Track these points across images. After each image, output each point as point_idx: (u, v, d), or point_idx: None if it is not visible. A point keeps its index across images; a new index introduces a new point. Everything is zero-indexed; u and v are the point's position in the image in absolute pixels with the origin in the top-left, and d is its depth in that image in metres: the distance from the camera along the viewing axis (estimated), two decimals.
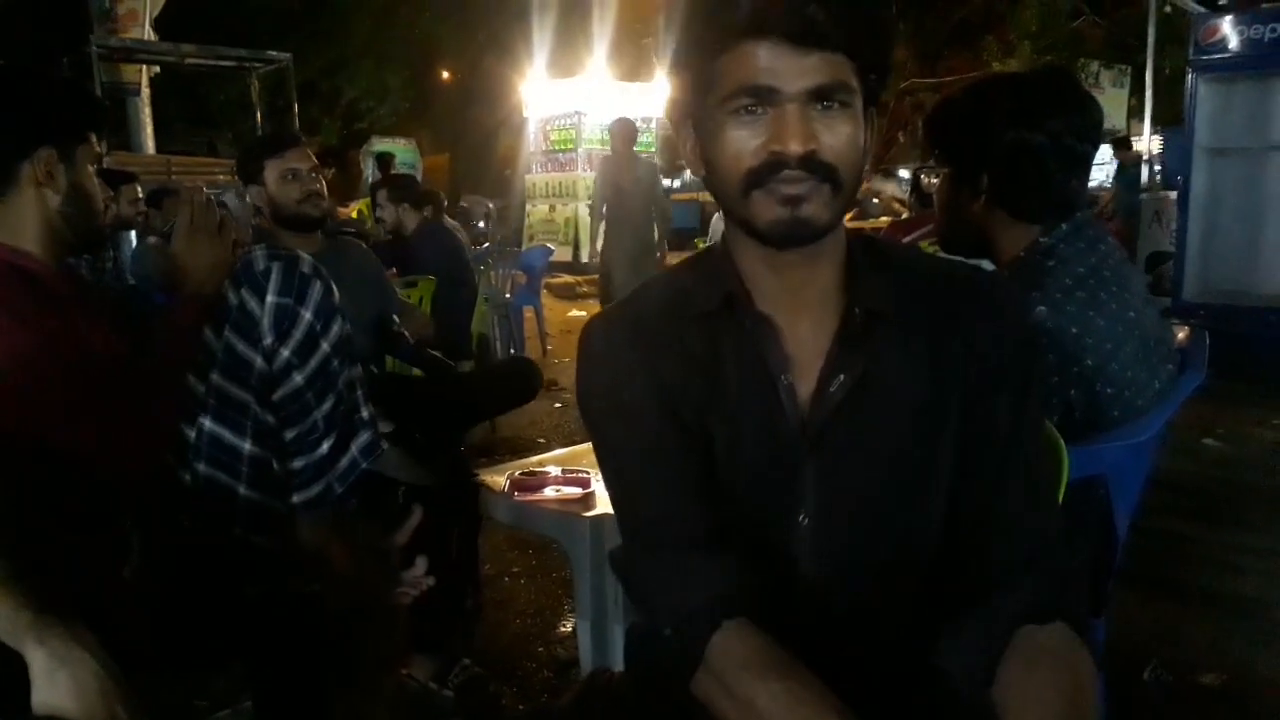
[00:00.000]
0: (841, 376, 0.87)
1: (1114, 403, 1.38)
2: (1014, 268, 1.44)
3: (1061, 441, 1.12)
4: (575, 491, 1.80)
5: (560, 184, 11.90)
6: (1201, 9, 5.63)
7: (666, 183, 11.14)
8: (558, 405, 4.92)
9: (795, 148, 0.80)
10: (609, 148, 6.55)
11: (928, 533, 0.90)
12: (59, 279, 1.34)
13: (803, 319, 0.89)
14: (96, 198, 1.37)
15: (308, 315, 1.36)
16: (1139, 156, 9.02)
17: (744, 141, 0.82)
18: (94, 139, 1.37)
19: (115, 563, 1.29)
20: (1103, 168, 9.89)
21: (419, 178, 10.29)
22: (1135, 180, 8.74)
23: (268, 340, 1.34)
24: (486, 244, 7.27)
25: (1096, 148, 1.49)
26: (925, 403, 0.88)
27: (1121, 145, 9.32)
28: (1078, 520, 1.26)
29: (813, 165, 0.81)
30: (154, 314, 1.42)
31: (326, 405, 1.41)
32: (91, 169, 1.36)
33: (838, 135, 0.81)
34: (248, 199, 2.44)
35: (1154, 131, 8.92)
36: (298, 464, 1.41)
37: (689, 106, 0.87)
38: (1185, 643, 2.36)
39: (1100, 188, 9.58)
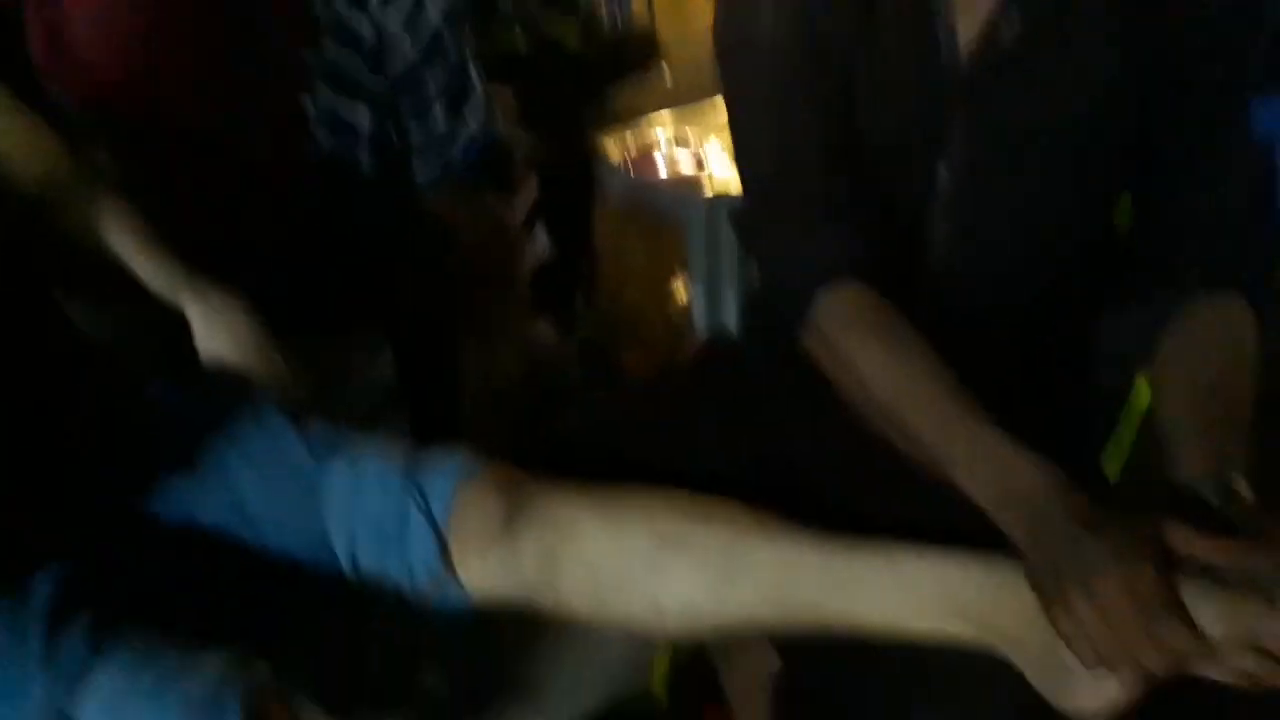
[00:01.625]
0: (1015, 21, 0.77)
1: None
2: None
3: None
4: (690, 172, 1.79)
5: None
6: None
7: None
8: (669, 75, 4.73)
9: None
10: None
11: (1084, 215, 0.85)
12: None
13: None
14: None
15: None
16: None
17: None
18: None
19: (248, 238, 1.37)
20: None
21: None
22: None
23: (373, 9, 1.32)
24: None
25: None
26: (1112, 68, 0.78)
27: None
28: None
29: None
30: None
31: (439, 76, 1.40)
32: None
33: None
34: None
35: None
36: (416, 138, 1.43)
37: None
38: None
39: None
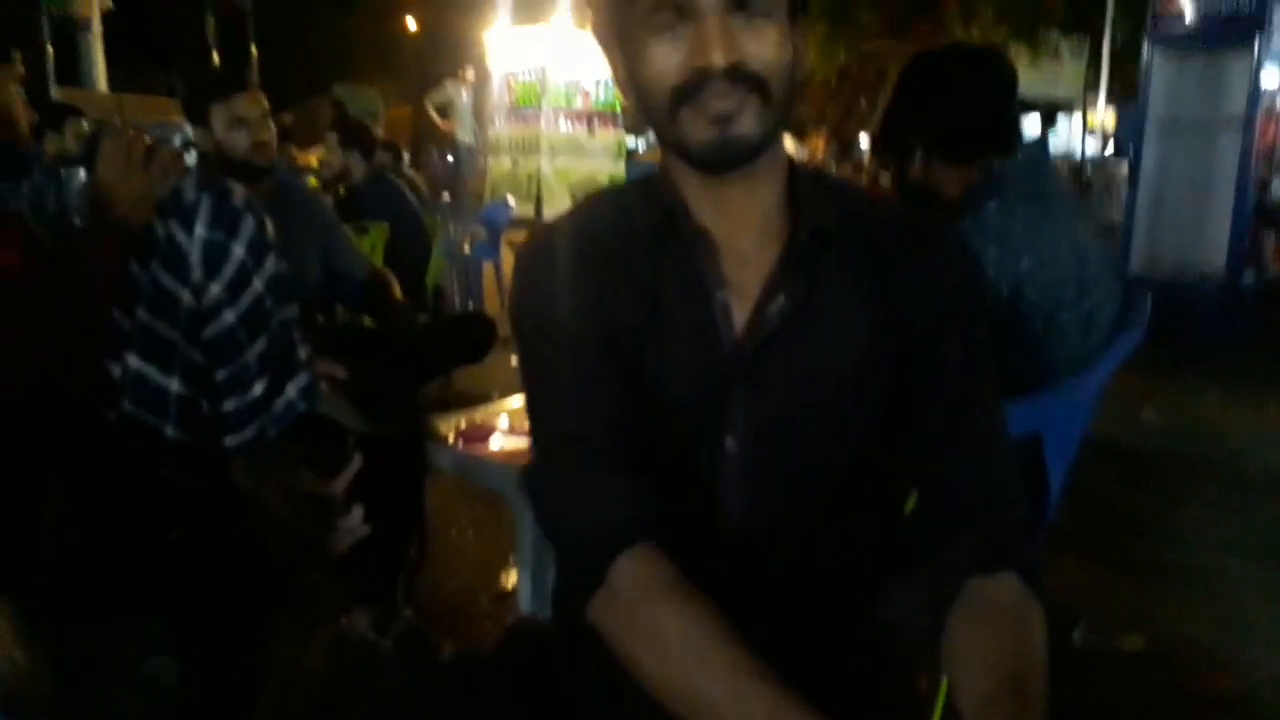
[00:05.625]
0: (781, 298, 0.85)
1: (1037, 313, 1.42)
2: (972, 191, 1.49)
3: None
4: (521, 443, 1.79)
5: (523, 138, 11.73)
6: None
7: (630, 143, 11.07)
8: (514, 361, 4.87)
9: (718, 60, 0.77)
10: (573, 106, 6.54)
11: (863, 482, 0.89)
12: None
13: (743, 240, 0.87)
14: (19, 121, 1.32)
15: (239, 250, 1.32)
16: None
17: (666, 58, 0.79)
18: (18, 60, 1.32)
19: (32, 504, 1.26)
20: None
21: (379, 128, 10.09)
22: None
23: (196, 275, 1.31)
24: (446, 194, 7.17)
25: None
26: (865, 333, 0.87)
27: None
28: None
29: (739, 76, 0.78)
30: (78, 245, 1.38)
31: (259, 345, 1.38)
32: (15, 90, 1.31)
33: (764, 43, 0.78)
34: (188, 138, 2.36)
35: (1109, 103, 9.00)
36: (229, 405, 1.38)
37: (613, 27, 0.84)
38: (1111, 605, 2.42)
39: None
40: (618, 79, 0.86)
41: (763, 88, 0.79)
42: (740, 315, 0.86)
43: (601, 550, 0.79)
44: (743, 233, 0.87)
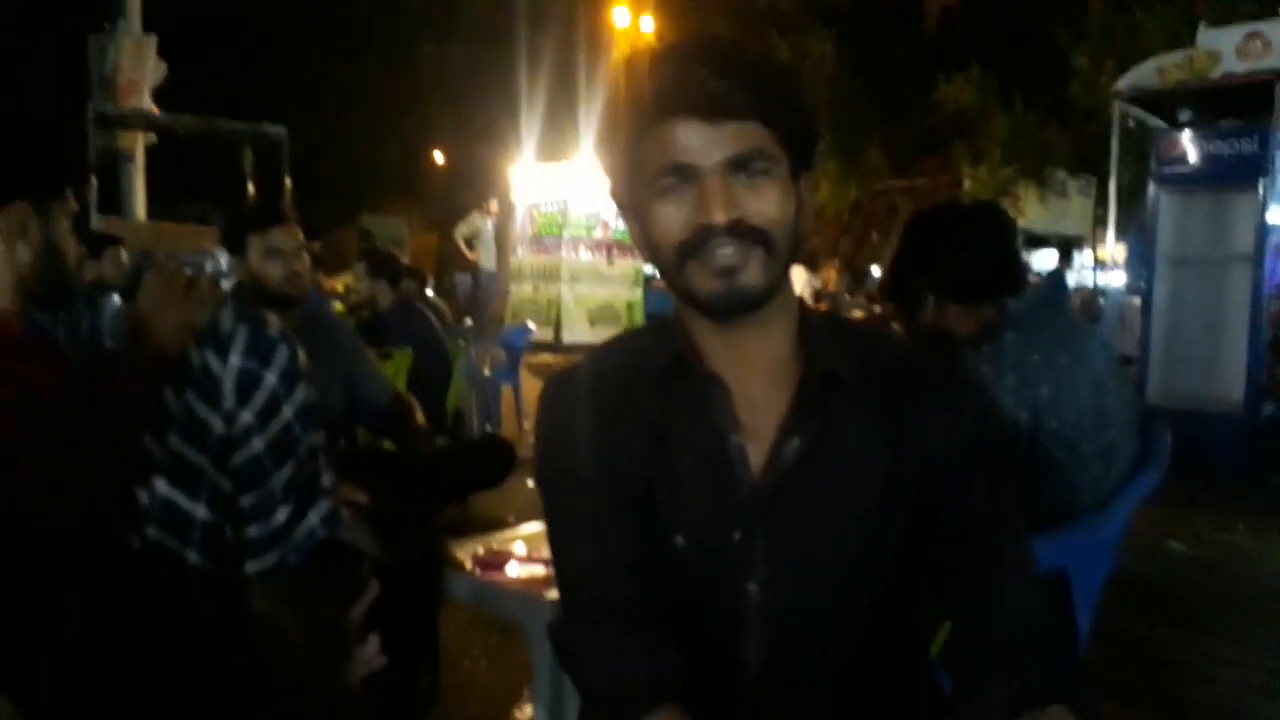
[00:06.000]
0: (795, 439, 0.87)
1: (1057, 442, 1.43)
2: (989, 326, 1.53)
3: None
4: (539, 571, 1.77)
5: (545, 266, 12.05)
6: (1163, 125, 5.86)
7: (648, 269, 11.32)
8: (531, 484, 4.86)
9: (720, 217, 0.82)
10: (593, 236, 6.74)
11: (879, 610, 0.89)
12: (11, 325, 1.34)
13: (755, 383, 0.90)
14: (68, 255, 1.38)
15: (272, 379, 1.36)
16: None
17: (672, 217, 0.84)
18: (71, 196, 1.39)
19: (51, 627, 1.26)
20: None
21: (405, 255, 10.40)
22: None
23: (228, 403, 1.34)
24: (468, 319, 7.34)
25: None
26: (881, 469, 0.88)
27: None
28: None
29: (741, 232, 0.83)
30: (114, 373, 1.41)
31: (286, 472, 1.39)
32: (66, 225, 1.38)
33: (764, 200, 0.83)
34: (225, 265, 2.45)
35: (1118, 239, 9.19)
36: (253, 532, 1.39)
37: (624, 191, 0.90)
38: None
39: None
40: (634, 238, 0.92)
41: (765, 240, 0.84)
42: (756, 458, 0.88)
43: (626, 715, 0.80)
44: (754, 376, 0.90)
